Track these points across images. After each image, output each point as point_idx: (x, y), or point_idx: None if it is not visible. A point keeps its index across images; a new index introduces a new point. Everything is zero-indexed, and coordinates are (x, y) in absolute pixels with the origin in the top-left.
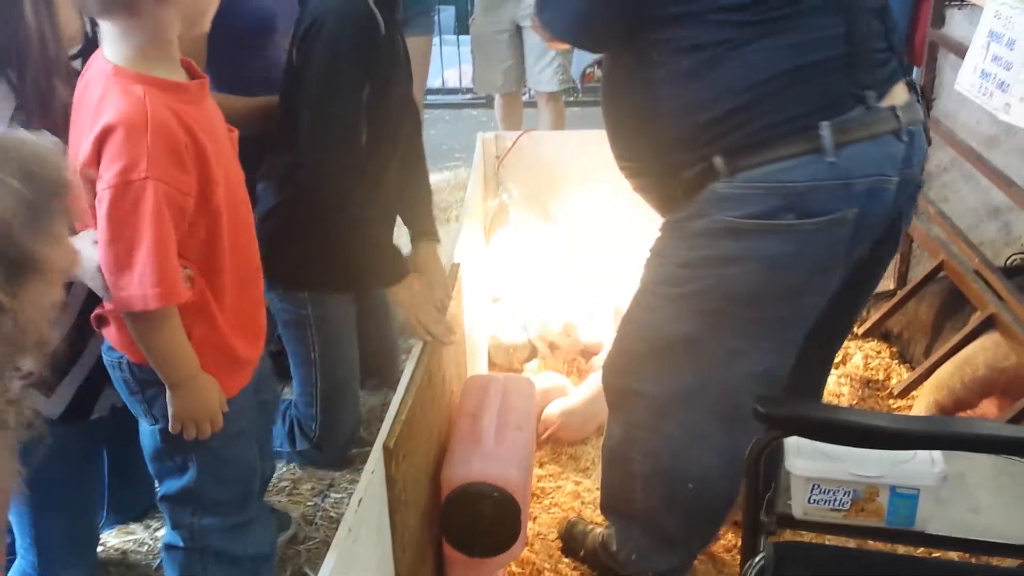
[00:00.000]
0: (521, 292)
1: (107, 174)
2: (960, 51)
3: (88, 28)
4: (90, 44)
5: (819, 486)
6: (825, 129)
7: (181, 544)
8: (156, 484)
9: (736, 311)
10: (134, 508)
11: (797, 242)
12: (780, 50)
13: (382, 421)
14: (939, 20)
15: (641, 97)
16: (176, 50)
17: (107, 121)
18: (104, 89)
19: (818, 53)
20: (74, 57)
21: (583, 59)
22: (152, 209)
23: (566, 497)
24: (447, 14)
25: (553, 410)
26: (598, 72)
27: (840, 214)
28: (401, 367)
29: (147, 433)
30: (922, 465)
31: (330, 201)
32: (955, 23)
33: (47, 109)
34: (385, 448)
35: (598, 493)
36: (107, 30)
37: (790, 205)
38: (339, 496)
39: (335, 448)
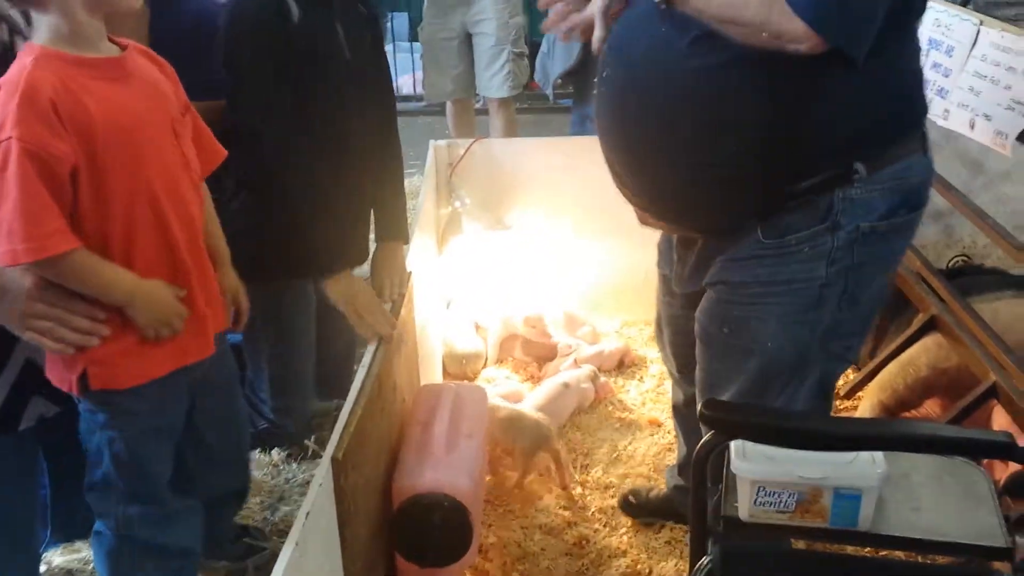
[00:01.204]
0: (475, 298)
1: None
2: None
3: (6, 36)
4: (6, 54)
5: (764, 488)
6: (926, 126)
7: (107, 531)
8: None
9: (858, 311)
10: (79, 524)
11: (906, 235)
12: (914, 53)
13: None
14: None
15: (767, 100)
16: (94, 30)
17: None
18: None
19: (918, 59)
20: None
21: (555, 67)
22: (16, 168)
23: (520, 504)
24: (400, 21)
25: None
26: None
27: (925, 204)
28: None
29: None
30: (864, 466)
31: (259, 190)
32: None
33: None
34: (334, 460)
35: (552, 500)
36: (34, 15)
37: (904, 200)
38: (289, 509)
39: (288, 434)
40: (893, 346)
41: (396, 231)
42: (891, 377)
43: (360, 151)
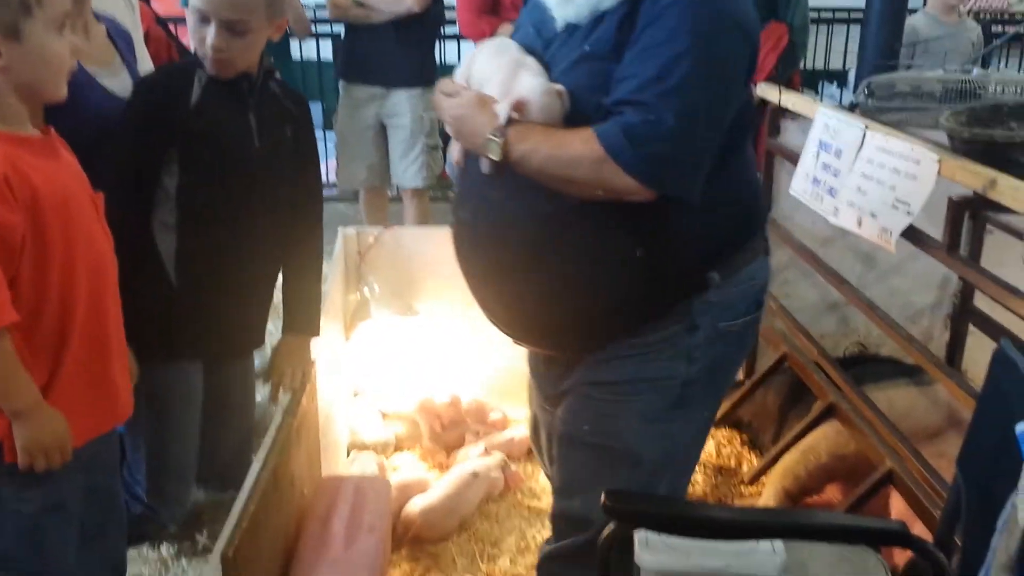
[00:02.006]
0: (383, 385)
1: None
2: (794, 158)
3: None
4: None
5: None
6: (767, 230)
7: None
8: None
9: (718, 397)
10: None
11: (755, 331)
12: (751, 162)
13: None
14: (775, 130)
15: (616, 237)
16: (23, 110)
17: None
18: None
19: (754, 166)
20: None
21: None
22: None
23: None
24: (313, 109)
25: (413, 508)
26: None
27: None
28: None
29: None
30: (765, 555)
31: (136, 262)
32: (789, 132)
33: None
34: (223, 557)
35: None
36: None
37: (755, 299)
38: None
39: (161, 522)
40: (794, 432)
41: (307, 326)
42: (793, 464)
43: (263, 242)
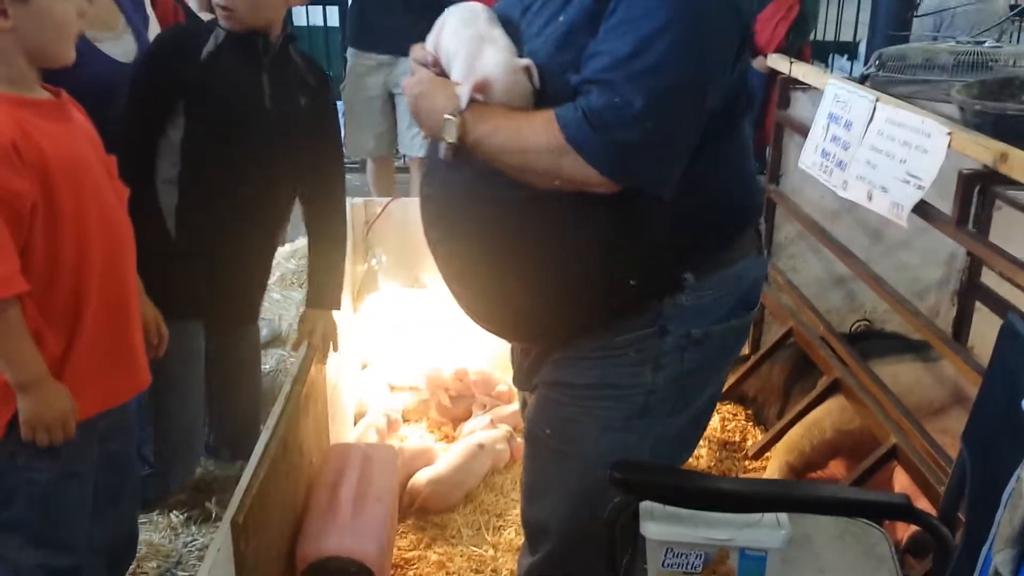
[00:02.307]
0: (390, 357)
1: None
2: (803, 131)
3: None
4: None
5: (672, 550)
6: (761, 227)
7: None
8: None
9: (689, 414)
10: None
11: (741, 336)
12: (741, 152)
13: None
14: (784, 102)
15: (582, 228)
16: (31, 73)
17: None
18: None
19: (749, 157)
20: None
21: None
22: None
23: (431, 567)
24: None
25: (420, 479)
26: None
27: (758, 304)
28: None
29: None
30: (769, 528)
31: (136, 216)
32: (799, 104)
33: None
34: (233, 524)
35: (464, 563)
36: None
37: (739, 302)
38: (186, 575)
39: (168, 483)
40: (799, 408)
41: (329, 300)
42: (797, 438)
43: (265, 207)
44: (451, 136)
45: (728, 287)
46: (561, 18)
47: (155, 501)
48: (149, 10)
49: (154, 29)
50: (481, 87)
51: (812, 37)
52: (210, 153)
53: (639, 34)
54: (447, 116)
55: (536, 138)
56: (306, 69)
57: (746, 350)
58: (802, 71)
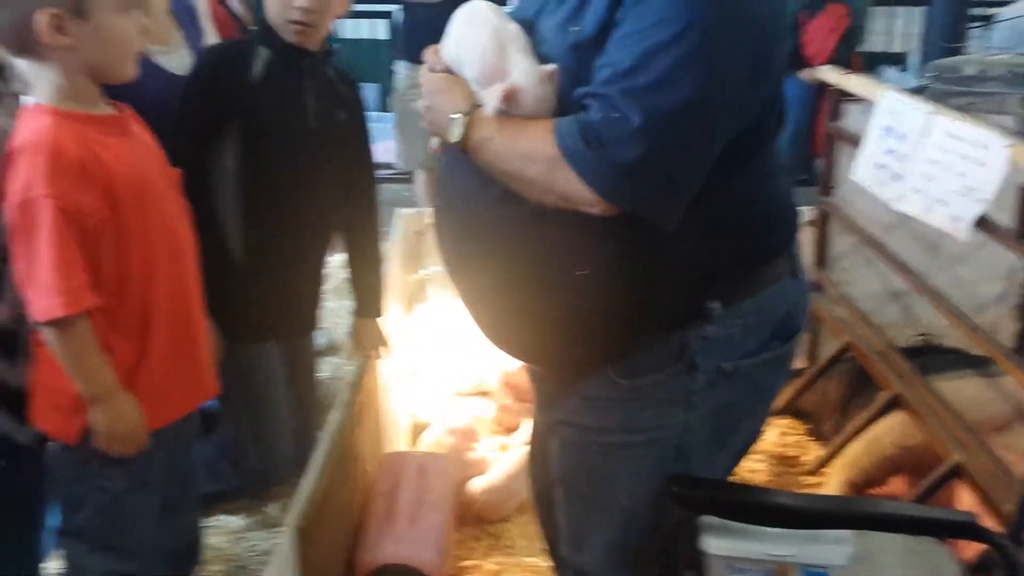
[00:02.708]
0: (442, 366)
1: (11, 194)
2: (855, 143)
3: None
4: None
5: (735, 566)
6: (795, 248)
7: None
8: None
9: (727, 453)
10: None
11: (781, 368)
12: (771, 172)
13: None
14: (836, 114)
15: (595, 248)
16: (93, 89)
17: (13, 146)
18: (20, 123)
19: (782, 176)
20: None
21: None
22: (51, 226)
23: None
24: (370, 91)
25: (475, 488)
26: None
27: (801, 331)
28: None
29: (61, 457)
30: (832, 544)
31: (200, 240)
32: (851, 116)
33: None
34: (297, 530)
35: (519, 573)
36: (31, 74)
37: (774, 333)
38: None
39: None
40: (857, 424)
41: (374, 308)
42: (857, 455)
43: (317, 221)
44: (455, 136)
45: (760, 316)
46: (574, 27)
47: (253, 506)
48: (204, 23)
49: (209, 41)
50: (510, 96)
51: (861, 48)
52: (266, 176)
53: (643, 47)
54: (453, 116)
55: (532, 145)
56: (340, 82)
57: (802, 363)
58: (853, 83)
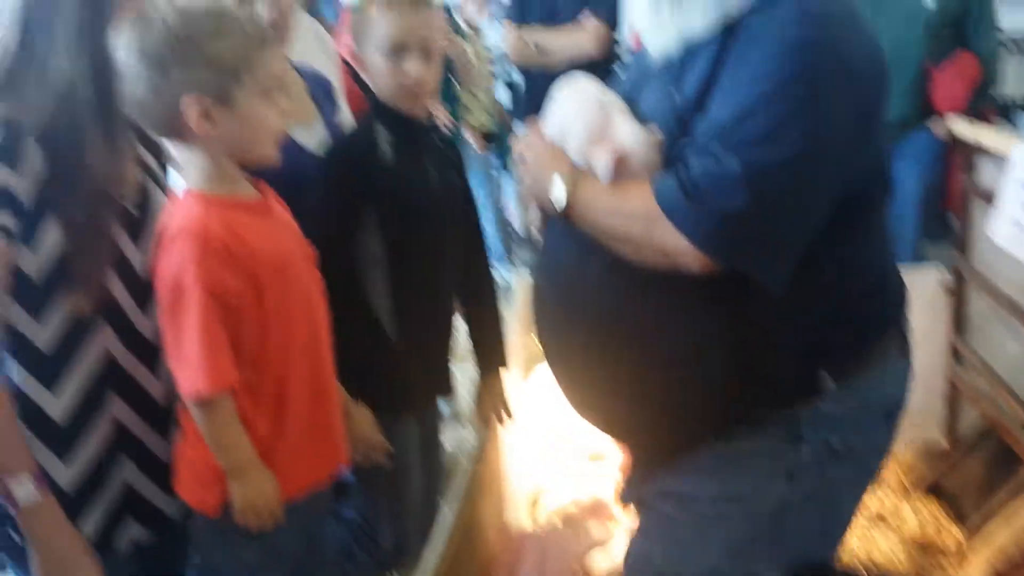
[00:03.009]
0: (561, 431)
1: (163, 276)
2: (991, 198)
3: (144, 181)
4: (145, 198)
5: None
6: (906, 325)
7: None
8: None
9: (825, 541)
10: None
11: (884, 450)
12: (882, 243)
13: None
14: (969, 167)
15: (700, 321)
16: (237, 173)
17: (166, 230)
18: (172, 207)
19: (891, 249)
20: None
21: None
22: (199, 306)
23: None
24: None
25: (598, 567)
26: None
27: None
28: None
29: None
30: None
31: (351, 319)
32: (985, 170)
33: (93, 232)
34: None
35: None
36: (181, 158)
37: (885, 415)
38: None
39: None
40: (1002, 504)
41: (497, 361)
42: (1004, 539)
43: (450, 286)
44: (559, 199)
45: (873, 395)
46: (675, 93)
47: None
48: (340, 99)
49: (344, 118)
50: (620, 160)
51: (995, 97)
52: (411, 255)
53: (744, 103)
54: (556, 180)
55: (632, 203)
56: (448, 147)
57: (941, 439)
58: (986, 135)
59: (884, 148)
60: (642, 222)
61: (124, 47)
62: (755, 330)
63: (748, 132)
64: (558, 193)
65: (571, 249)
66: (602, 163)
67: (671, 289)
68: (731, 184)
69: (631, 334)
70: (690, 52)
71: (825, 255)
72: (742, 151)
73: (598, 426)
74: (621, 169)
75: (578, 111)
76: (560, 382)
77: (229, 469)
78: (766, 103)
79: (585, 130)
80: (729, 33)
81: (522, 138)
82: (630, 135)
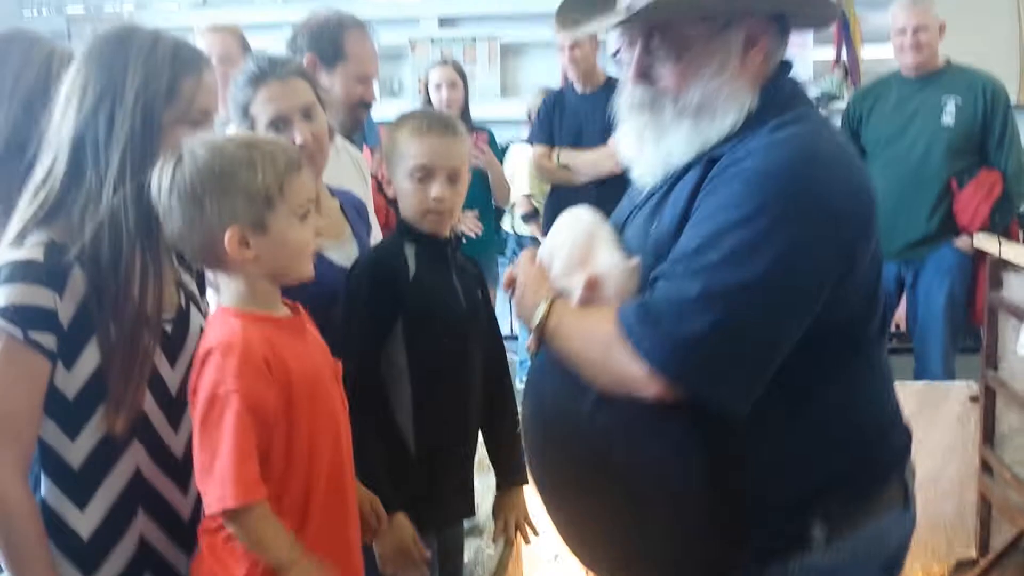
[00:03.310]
0: None
1: (201, 389)
2: (1020, 314)
3: (183, 302)
4: (182, 317)
5: None
6: (909, 474)
7: None
8: None
9: None
10: None
11: None
12: (877, 383)
13: None
14: (996, 283)
15: (683, 462)
16: (275, 292)
17: (206, 346)
18: (210, 325)
19: (892, 390)
20: (166, 323)
21: None
22: (235, 419)
23: None
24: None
25: None
26: None
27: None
28: None
29: None
30: None
31: (377, 434)
32: (1013, 285)
33: (131, 354)
34: None
35: None
36: (218, 282)
37: (882, 568)
38: None
39: None
40: None
41: (517, 475)
42: None
43: (471, 406)
44: (535, 320)
45: (870, 549)
46: (654, 225)
47: None
48: (372, 218)
49: (375, 236)
50: (592, 284)
51: (1019, 211)
52: (437, 370)
53: (711, 229)
54: (536, 302)
55: (595, 327)
56: (468, 261)
57: (974, 554)
58: (1012, 251)
59: (880, 285)
60: (601, 346)
61: (160, 184)
62: (742, 475)
63: (711, 257)
64: (537, 316)
65: (561, 383)
66: (575, 287)
67: (657, 431)
68: (689, 306)
69: (616, 475)
70: (672, 182)
71: (810, 395)
72: (702, 275)
73: (584, 563)
74: (594, 295)
75: (566, 238)
76: (550, 513)
77: (278, 565)
78: (730, 229)
79: (568, 256)
80: (710, 164)
81: (517, 261)
82: (608, 262)
